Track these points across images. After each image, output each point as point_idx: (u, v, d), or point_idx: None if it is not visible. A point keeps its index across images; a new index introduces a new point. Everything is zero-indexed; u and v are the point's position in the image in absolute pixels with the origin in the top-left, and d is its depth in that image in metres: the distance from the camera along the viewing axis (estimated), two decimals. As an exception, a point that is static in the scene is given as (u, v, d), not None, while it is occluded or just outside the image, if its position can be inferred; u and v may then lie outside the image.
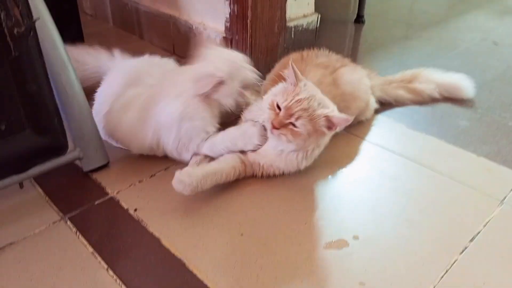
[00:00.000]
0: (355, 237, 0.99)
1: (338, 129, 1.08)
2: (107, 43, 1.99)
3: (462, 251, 0.96)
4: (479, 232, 1.01)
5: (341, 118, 1.05)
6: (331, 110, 1.08)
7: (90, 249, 0.95)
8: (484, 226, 1.03)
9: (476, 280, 0.89)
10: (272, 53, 1.65)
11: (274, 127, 1.06)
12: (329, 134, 1.12)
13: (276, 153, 1.13)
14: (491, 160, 1.26)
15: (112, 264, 0.92)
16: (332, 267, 0.92)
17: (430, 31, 2.24)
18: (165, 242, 0.97)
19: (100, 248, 0.95)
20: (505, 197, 1.11)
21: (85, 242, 0.97)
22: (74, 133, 1.14)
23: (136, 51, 1.94)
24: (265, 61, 1.64)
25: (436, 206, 1.09)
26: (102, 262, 0.92)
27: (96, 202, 1.09)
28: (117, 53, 1.46)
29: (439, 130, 1.40)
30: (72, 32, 1.93)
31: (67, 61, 1.11)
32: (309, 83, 1.10)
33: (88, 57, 1.45)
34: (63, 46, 1.10)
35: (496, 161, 1.25)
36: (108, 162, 1.19)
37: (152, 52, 1.90)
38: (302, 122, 1.05)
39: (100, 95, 1.26)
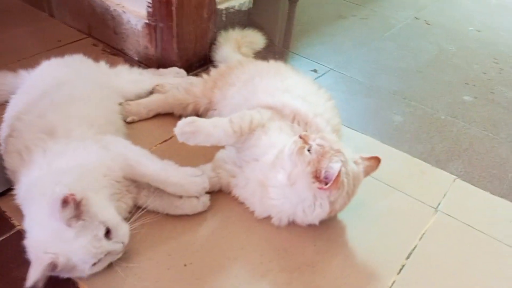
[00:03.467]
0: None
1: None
2: (12, 24, 1.75)
3: (400, 271, 0.95)
4: (415, 247, 1.00)
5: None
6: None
7: (-4, 303, 0.83)
8: (420, 239, 1.02)
9: (413, 302, 0.89)
10: (202, 41, 1.52)
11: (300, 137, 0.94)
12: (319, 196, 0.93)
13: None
14: (425, 161, 1.25)
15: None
16: None
17: (364, 8, 2.18)
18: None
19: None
20: (439, 204, 1.12)
21: (-11, 293, 0.84)
22: (-32, 156, 0.97)
23: (46, 33, 1.72)
24: (194, 50, 1.50)
25: (372, 217, 1.06)
26: (10, 319, 0.81)
27: (1, 238, 0.94)
28: (22, 71, 1.28)
29: (374, 128, 1.37)
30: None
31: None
32: None
33: None
34: None
35: (430, 162, 1.25)
36: (11, 187, 1.03)
37: (65, 34, 1.71)
38: (316, 149, 0.92)
39: (6, 115, 1.09)
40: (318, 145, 0.92)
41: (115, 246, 0.85)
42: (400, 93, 1.55)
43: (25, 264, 0.89)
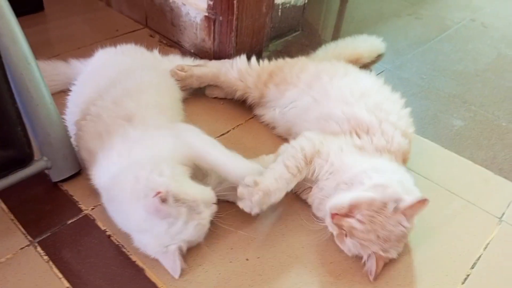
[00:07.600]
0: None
1: None
2: (70, 12, 1.79)
3: (464, 280, 0.93)
4: (480, 257, 0.97)
5: None
6: None
7: (66, 284, 0.85)
8: (485, 249, 0.99)
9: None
10: (259, 36, 1.51)
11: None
12: None
13: None
14: (487, 168, 1.22)
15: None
16: None
17: (419, 7, 2.13)
18: (150, 273, 0.88)
19: (78, 283, 0.85)
20: (503, 214, 1.08)
21: (60, 275, 0.86)
22: (41, 139, 1.00)
23: (103, 22, 1.75)
24: (250, 45, 1.50)
25: (434, 224, 1.04)
26: (81, 301, 0.83)
27: (69, 222, 0.97)
28: (73, 61, 1.31)
29: (433, 132, 1.34)
30: (31, -1, 1.70)
31: (30, 57, 0.94)
32: None
33: (44, 65, 1.26)
34: (25, 39, 0.93)
35: (492, 169, 1.21)
36: (80, 170, 1.06)
37: (122, 24, 1.73)
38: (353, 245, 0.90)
39: (71, 101, 1.11)
40: (353, 240, 0.87)
41: (211, 209, 0.89)
42: (459, 96, 1.51)
43: (93, 250, 0.92)
